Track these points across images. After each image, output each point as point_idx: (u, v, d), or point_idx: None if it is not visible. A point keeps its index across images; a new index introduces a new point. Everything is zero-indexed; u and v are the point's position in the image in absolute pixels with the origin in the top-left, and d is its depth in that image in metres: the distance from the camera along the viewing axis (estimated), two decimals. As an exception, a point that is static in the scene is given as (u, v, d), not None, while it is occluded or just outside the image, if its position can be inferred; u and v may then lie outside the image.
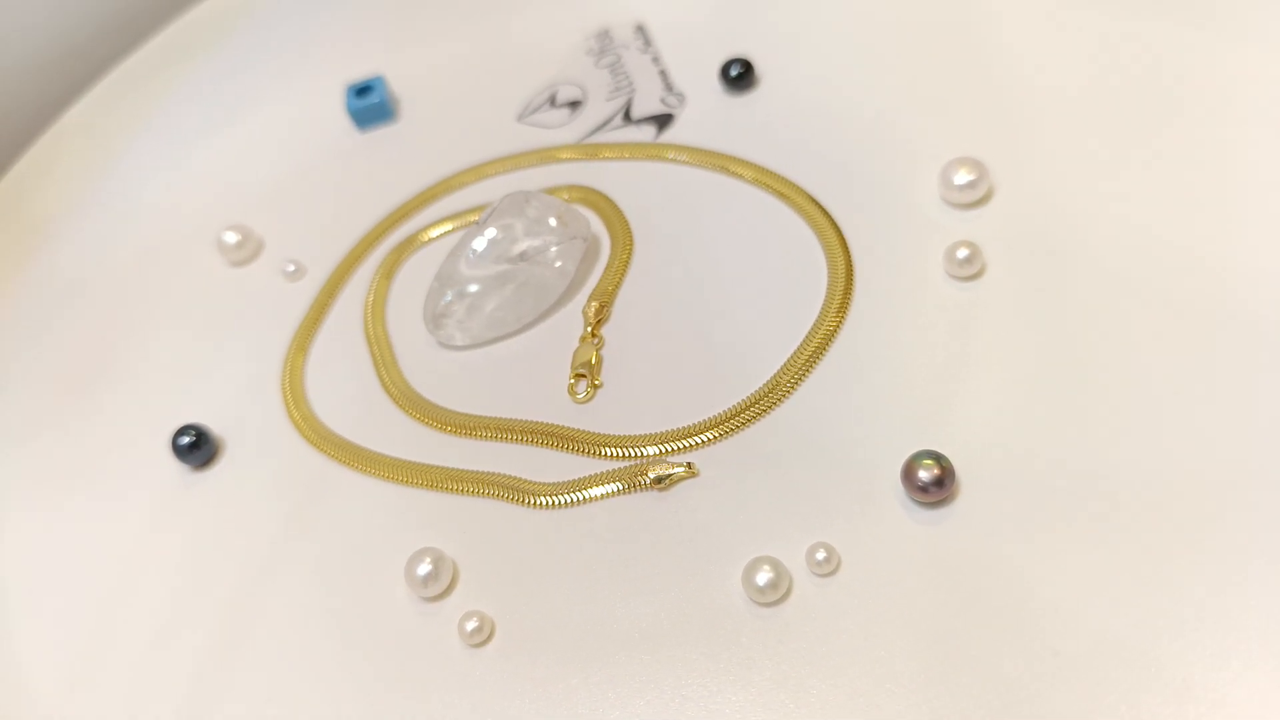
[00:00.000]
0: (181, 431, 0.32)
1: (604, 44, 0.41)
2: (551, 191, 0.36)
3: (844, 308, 0.30)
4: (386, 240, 0.37)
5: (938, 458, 0.26)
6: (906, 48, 0.37)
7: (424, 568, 0.28)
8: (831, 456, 0.27)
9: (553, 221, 0.33)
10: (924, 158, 0.33)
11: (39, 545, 0.32)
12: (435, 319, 0.33)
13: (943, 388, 0.28)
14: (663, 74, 0.39)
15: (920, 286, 0.30)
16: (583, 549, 0.28)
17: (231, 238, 0.38)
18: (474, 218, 0.36)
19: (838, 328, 0.30)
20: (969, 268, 0.30)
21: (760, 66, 0.38)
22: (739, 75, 0.37)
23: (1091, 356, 0.28)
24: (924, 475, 0.26)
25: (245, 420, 0.33)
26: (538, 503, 0.29)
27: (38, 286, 0.39)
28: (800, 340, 0.30)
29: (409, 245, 0.37)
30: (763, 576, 0.25)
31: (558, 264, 0.33)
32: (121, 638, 0.29)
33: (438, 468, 0.30)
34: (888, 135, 0.34)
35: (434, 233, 0.37)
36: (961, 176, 0.31)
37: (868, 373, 0.29)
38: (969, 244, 0.30)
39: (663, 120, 0.38)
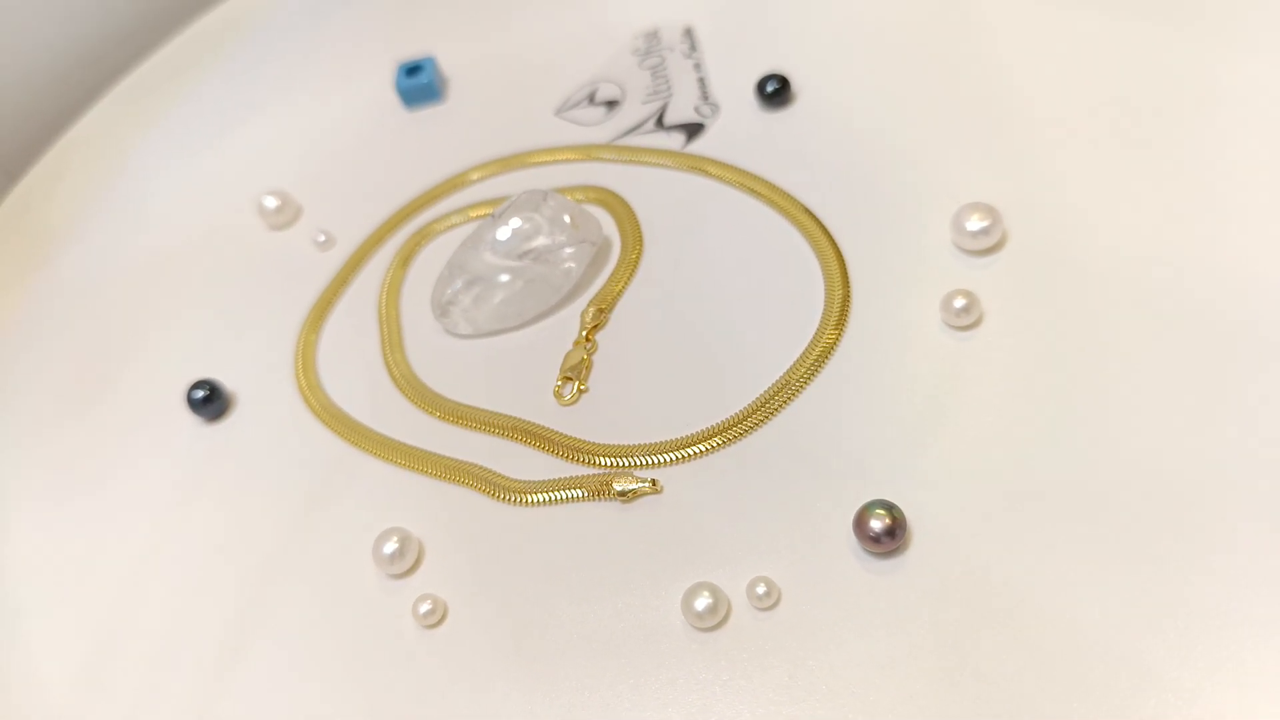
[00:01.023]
0: (197, 385, 0.34)
1: (651, 44, 0.42)
2: (575, 190, 0.37)
3: (830, 347, 0.30)
4: (414, 220, 0.39)
5: (890, 508, 0.26)
6: (943, 85, 0.36)
7: (390, 546, 0.29)
8: (792, 493, 0.28)
9: (566, 222, 0.34)
10: (942, 197, 0.33)
11: (54, 540, 0.33)
12: (442, 306, 0.34)
13: (915, 438, 0.28)
14: (701, 81, 0.39)
15: (913, 332, 0.30)
16: (541, 549, 0.29)
17: (271, 202, 0.40)
18: (491, 210, 0.37)
19: (821, 364, 0.30)
20: (965, 317, 0.30)
21: (798, 84, 0.38)
22: (774, 91, 0.37)
23: (1078, 423, 0.27)
24: (876, 525, 0.26)
25: (257, 381, 0.35)
26: (508, 498, 0.30)
27: (51, 291, 0.41)
28: (782, 372, 0.30)
29: (431, 230, 0.38)
30: (701, 602, 0.26)
31: (566, 265, 0.34)
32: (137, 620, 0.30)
33: (422, 451, 0.32)
34: (909, 170, 0.34)
35: (457, 219, 0.38)
36: (974, 223, 0.31)
37: (844, 414, 0.29)
38: (966, 293, 0.29)
39: (693, 129, 0.38)
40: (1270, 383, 0.27)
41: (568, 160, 0.39)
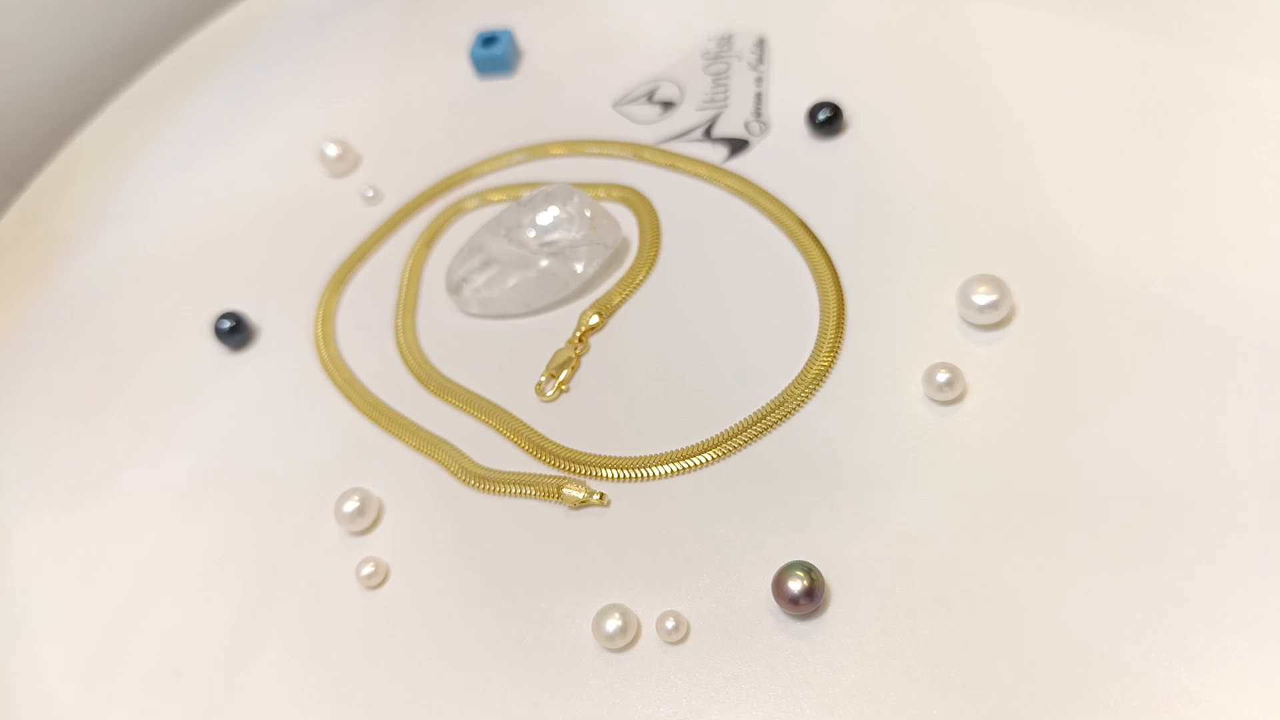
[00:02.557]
0: (224, 316, 0.37)
1: (722, 48, 0.41)
2: (609, 186, 0.38)
3: (806, 398, 0.30)
4: (457, 191, 0.40)
5: (809, 570, 0.26)
6: (991, 148, 0.35)
7: (351, 504, 0.31)
8: (727, 537, 0.28)
9: (586, 221, 0.34)
10: (962, 262, 0.32)
11: (61, 546, 0.33)
12: (456, 284, 0.35)
13: (864, 510, 0.28)
14: (759, 97, 0.39)
15: (894, 397, 0.30)
16: (486, 539, 0.30)
17: (332, 150, 0.42)
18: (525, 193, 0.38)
19: (791, 413, 0.30)
20: (948, 392, 0.29)
21: (851, 115, 0.37)
22: (825, 120, 0.36)
23: (1068, 437, 0.27)
24: (794, 586, 0.26)
25: (282, 319, 0.37)
26: (469, 481, 0.31)
27: (59, 298, 0.41)
28: (758, 408, 0.30)
29: (462, 207, 0.39)
30: (612, 623, 0.27)
31: (578, 265, 0.34)
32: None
33: (406, 419, 0.33)
34: (937, 227, 0.33)
35: (497, 196, 0.39)
36: (981, 296, 0.30)
37: (804, 466, 0.29)
38: (950, 367, 0.29)
39: (738, 145, 0.38)
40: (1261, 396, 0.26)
41: (613, 156, 0.39)
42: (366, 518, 0.31)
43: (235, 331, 0.37)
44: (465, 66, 0.44)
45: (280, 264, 0.40)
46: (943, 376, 0.29)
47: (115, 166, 0.46)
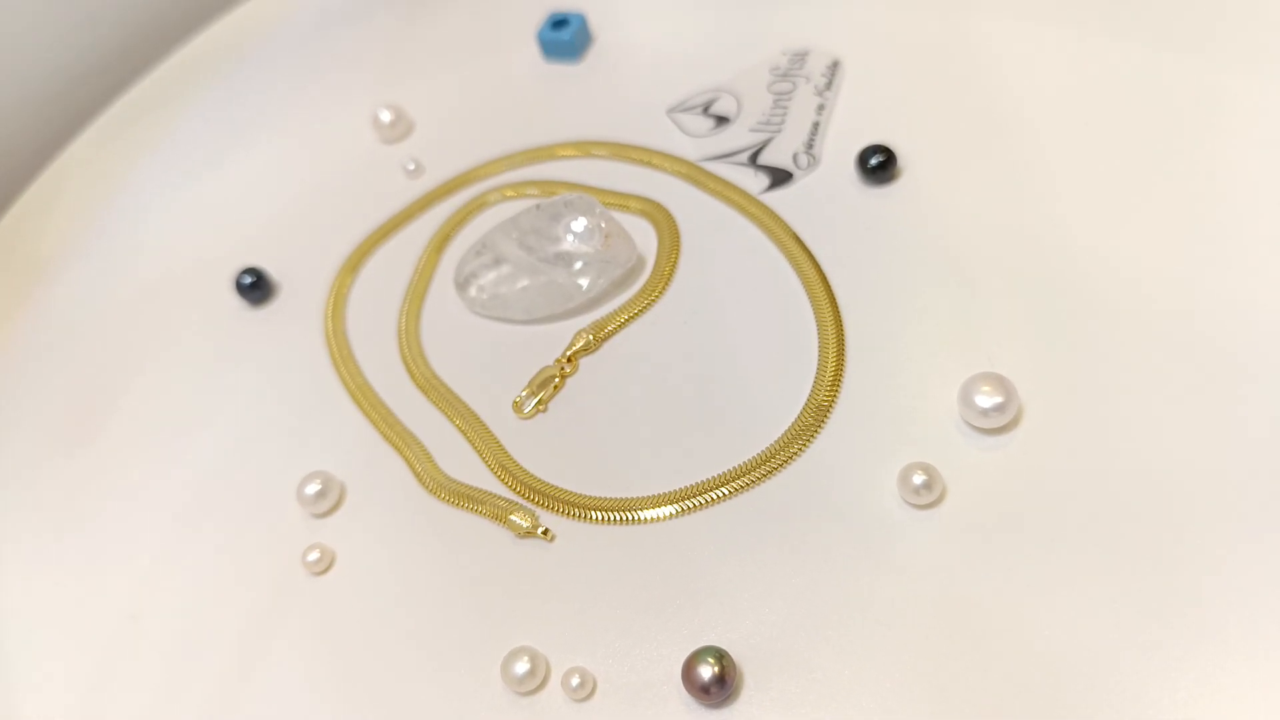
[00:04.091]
0: (246, 271, 0.37)
1: (793, 66, 0.39)
2: (639, 199, 0.36)
3: (777, 468, 0.28)
4: (496, 178, 0.39)
5: (720, 655, 0.25)
6: (1053, 243, 0.32)
7: (313, 487, 0.31)
8: (658, 600, 0.27)
9: (601, 237, 0.33)
10: (978, 353, 0.29)
11: (46, 579, 0.32)
12: (464, 279, 0.35)
13: (801, 600, 0.26)
14: (815, 127, 0.37)
15: (866, 490, 0.28)
16: (429, 548, 0.30)
17: (386, 115, 0.42)
18: (556, 192, 0.37)
19: (760, 480, 0.28)
20: (925, 495, 0.27)
21: (906, 162, 0.34)
22: (876, 166, 0.34)
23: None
24: (704, 673, 0.25)
25: (302, 282, 0.38)
26: (424, 483, 0.31)
27: (43, 322, 0.40)
28: (725, 469, 0.29)
29: (485, 200, 0.38)
30: (520, 667, 0.26)
31: (584, 280, 0.33)
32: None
33: (385, 408, 0.33)
34: (961, 310, 0.30)
35: (533, 191, 0.38)
36: (985, 398, 0.27)
37: (757, 541, 0.27)
38: (927, 469, 0.27)
39: (781, 177, 0.36)
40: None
41: (651, 167, 0.38)
42: (327, 501, 0.31)
43: (255, 287, 0.37)
44: (534, 47, 0.43)
45: (313, 226, 0.40)
46: (919, 478, 0.27)
47: (103, 185, 0.44)
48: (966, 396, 0.28)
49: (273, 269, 0.38)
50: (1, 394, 0.38)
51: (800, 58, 0.39)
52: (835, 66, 0.38)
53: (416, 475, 0.31)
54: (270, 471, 0.33)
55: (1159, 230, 0.30)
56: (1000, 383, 0.27)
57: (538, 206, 0.34)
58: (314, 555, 0.30)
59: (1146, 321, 0.29)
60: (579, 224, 0.33)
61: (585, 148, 0.39)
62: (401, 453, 0.32)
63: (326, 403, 0.34)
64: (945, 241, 0.32)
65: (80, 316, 0.40)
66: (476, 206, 0.38)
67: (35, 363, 0.38)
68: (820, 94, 0.38)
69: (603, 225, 0.33)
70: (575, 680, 0.26)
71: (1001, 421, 0.28)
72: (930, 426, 0.28)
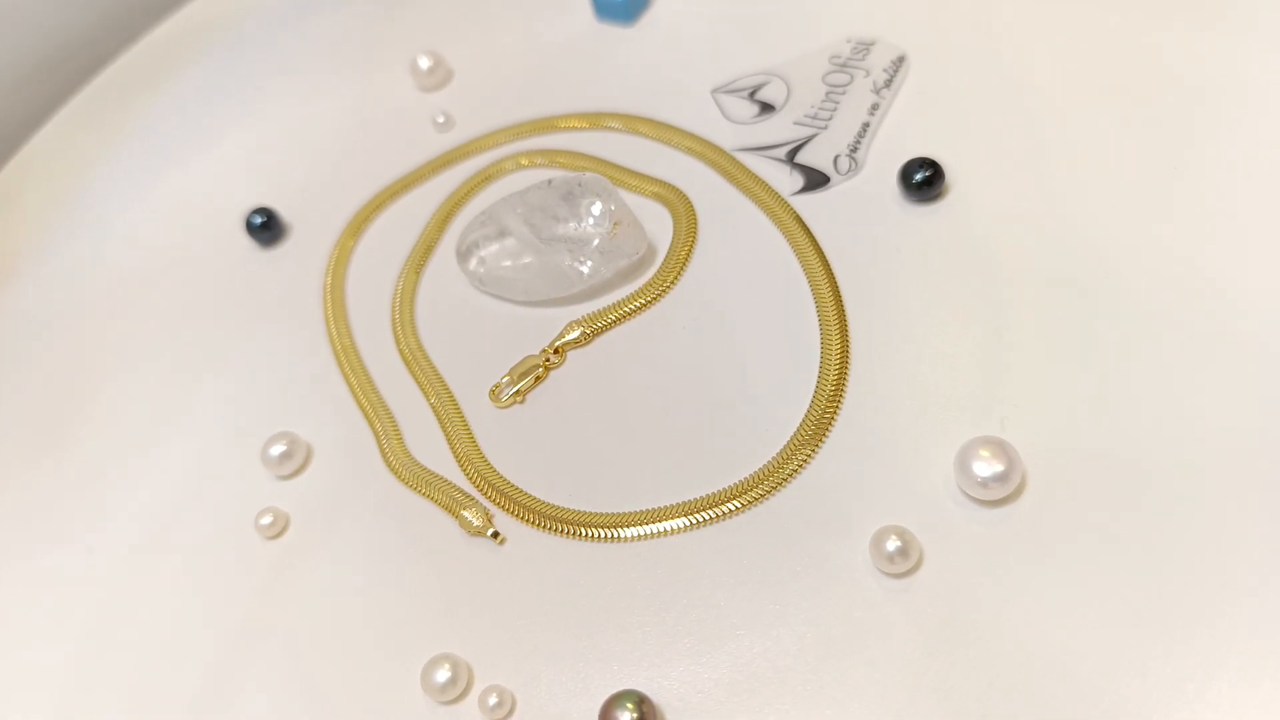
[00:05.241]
0: (257, 211, 0.37)
1: (855, 55, 0.36)
2: (659, 184, 0.34)
3: (744, 507, 0.26)
4: (519, 143, 0.37)
5: (640, 701, 0.23)
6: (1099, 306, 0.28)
7: (277, 448, 0.30)
8: (593, 629, 0.25)
9: (607, 226, 0.31)
10: (990, 417, 0.26)
11: (18, 590, 0.30)
12: (465, 249, 0.33)
13: (742, 656, 0.24)
14: (865, 128, 0.33)
15: (837, 550, 0.25)
16: (379, 533, 0.29)
17: (424, 62, 0.40)
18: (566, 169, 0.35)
19: (723, 518, 0.26)
20: (901, 563, 0.24)
21: (954, 178, 0.31)
22: (921, 182, 0.31)
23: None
24: (622, 718, 0.23)
25: (313, 224, 0.37)
26: (387, 460, 0.30)
27: (7, 322, 0.37)
28: (690, 498, 0.27)
29: (501, 168, 0.36)
30: (441, 674, 0.25)
31: (584, 267, 0.31)
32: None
33: (366, 375, 0.32)
34: (978, 361, 0.28)
35: (540, 160, 0.36)
36: (984, 465, 0.25)
37: (708, 581, 0.25)
38: (902, 533, 0.24)
39: (816, 180, 0.33)
40: None
41: (679, 148, 0.35)
42: (293, 463, 0.30)
43: (266, 228, 0.37)
44: (588, 3, 0.41)
45: (334, 170, 0.39)
46: (893, 544, 0.24)
47: (69, 176, 0.41)
48: (964, 462, 0.25)
49: (286, 211, 0.37)
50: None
51: (865, 48, 0.36)
52: (900, 62, 0.35)
53: (381, 450, 0.30)
54: (242, 432, 0.32)
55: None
56: (1003, 450, 0.25)
57: (549, 182, 0.32)
58: (267, 519, 0.29)
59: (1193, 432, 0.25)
60: (595, 207, 0.31)
61: (619, 120, 0.37)
62: (371, 424, 0.31)
63: (312, 360, 0.33)
64: (981, 278, 0.29)
65: (50, 315, 0.37)
66: (495, 172, 0.36)
67: (2, 364, 0.36)
68: (877, 91, 0.34)
69: (613, 209, 0.31)
70: (493, 699, 0.25)
71: (1000, 494, 0.25)
72: (921, 491, 0.25)
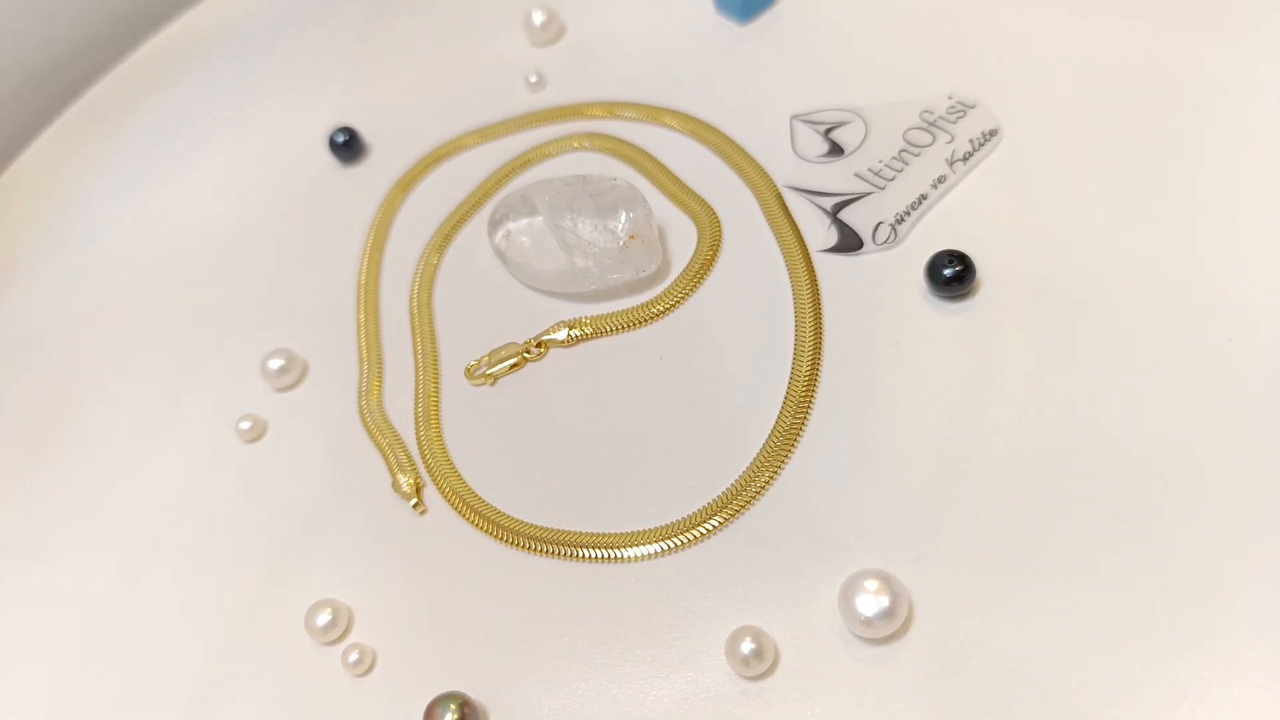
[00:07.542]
0: (340, 130, 0.39)
1: (949, 115, 0.33)
2: (695, 200, 0.33)
3: (679, 546, 0.26)
4: (598, 122, 0.37)
5: (463, 703, 0.24)
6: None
7: (275, 362, 0.33)
8: (473, 618, 0.27)
9: (622, 240, 0.31)
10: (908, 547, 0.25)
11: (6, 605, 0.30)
12: (496, 219, 0.34)
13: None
14: (920, 200, 0.31)
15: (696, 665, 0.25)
16: (334, 469, 0.31)
17: (539, 16, 0.40)
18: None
19: (653, 555, 0.27)
20: (756, 666, 0.24)
21: (984, 278, 0.29)
22: (949, 278, 0.29)
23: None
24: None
25: (393, 152, 0.39)
26: (359, 404, 0.32)
27: (3, 327, 0.37)
28: (626, 530, 0.27)
29: (544, 153, 0.37)
30: (322, 617, 0.27)
31: (586, 265, 0.31)
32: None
33: (375, 315, 0.34)
34: (921, 492, 0.26)
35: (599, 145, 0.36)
36: (866, 600, 0.24)
37: (679, 599, 0.26)
38: (756, 633, 0.24)
39: (849, 243, 0.31)
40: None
41: (740, 172, 0.34)
42: (290, 376, 0.33)
43: (347, 146, 0.39)
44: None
45: (428, 103, 0.40)
46: (748, 646, 0.24)
47: (58, 193, 0.41)
48: (847, 595, 0.24)
49: (367, 133, 0.39)
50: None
51: (963, 110, 0.33)
52: (992, 136, 0.32)
53: (358, 391, 0.32)
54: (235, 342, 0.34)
55: None
56: (888, 584, 0.24)
57: (584, 179, 0.32)
58: (246, 424, 0.32)
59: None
60: (618, 216, 0.31)
61: (697, 128, 0.36)
62: (360, 365, 0.33)
63: (339, 286, 0.35)
64: (978, 404, 0.27)
65: (38, 332, 0.37)
66: (556, 149, 0.37)
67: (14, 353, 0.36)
68: (951, 164, 0.32)
69: (634, 223, 0.31)
70: (354, 656, 0.27)
71: (885, 632, 0.24)
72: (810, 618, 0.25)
